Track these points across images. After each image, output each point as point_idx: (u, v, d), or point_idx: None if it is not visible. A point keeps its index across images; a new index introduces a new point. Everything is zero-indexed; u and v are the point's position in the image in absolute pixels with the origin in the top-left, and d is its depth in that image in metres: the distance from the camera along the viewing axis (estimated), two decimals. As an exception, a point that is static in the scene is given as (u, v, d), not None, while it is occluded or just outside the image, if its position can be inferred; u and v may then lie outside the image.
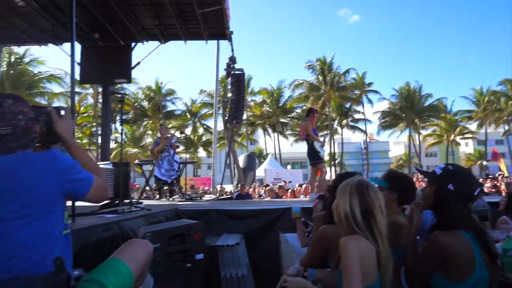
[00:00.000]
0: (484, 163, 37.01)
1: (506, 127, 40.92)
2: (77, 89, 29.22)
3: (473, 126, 42.95)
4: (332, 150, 39.93)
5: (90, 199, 1.49)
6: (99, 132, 21.25)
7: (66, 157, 1.44)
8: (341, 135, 41.59)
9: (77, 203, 3.08)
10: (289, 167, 40.46)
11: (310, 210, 4.20)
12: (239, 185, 10.83)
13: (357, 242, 1.50)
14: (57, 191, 1.36)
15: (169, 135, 7.92)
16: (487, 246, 1.67)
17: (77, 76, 9.79)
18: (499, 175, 14.51)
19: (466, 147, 52.69)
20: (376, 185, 1.84)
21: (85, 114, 33.12)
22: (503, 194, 7.78)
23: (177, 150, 7.81)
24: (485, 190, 9.37)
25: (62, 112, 1.60)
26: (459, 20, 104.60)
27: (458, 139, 44.27)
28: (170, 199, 7.39)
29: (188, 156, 8.97)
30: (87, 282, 1.39)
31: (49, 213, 1.33)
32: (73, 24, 3.51)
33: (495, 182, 10.09)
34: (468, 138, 45.46)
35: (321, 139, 6.30)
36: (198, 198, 8.34)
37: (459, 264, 1.61)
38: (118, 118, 28.46)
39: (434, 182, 1.78)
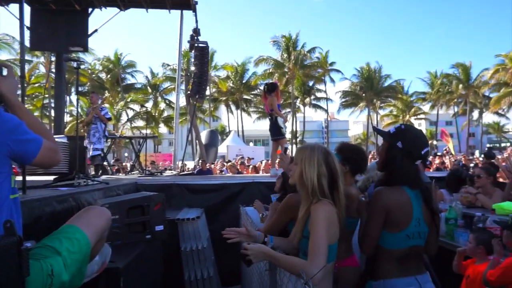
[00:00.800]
0: (435, 142, 39.39)
1: (456, 109, 43.54)
2: (27, 57, 27.24)
3: (426, 107, 45.26)
4: (294, 128, 40.58)
5: (39, 162, 1.41)
6: (52, 104, 20.04)
7: (12, 116, 1.36)
8: (303, 113, 42.23)
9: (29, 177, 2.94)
10: (251, 144, 40.70)
11: (272, 185, 4.32)
12: (200, 161, 10.79)
13: (327, 207, 1.63)
14: (1, 152, 1.29)
15: (97, 104, 7.25)
16: (429, 203, 1.78)
17: (26, 42, 9.08)
18: (446, 152, 15.58)
19: (419, 127, 55.43)
20: None
21: (37, 85, 31.10)
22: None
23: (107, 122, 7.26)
24: (434, 166, 10.13)
25: (5, 72, 1.50)
26: (422, 2, 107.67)
27: (412, 119, 46.53)
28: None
29: (148, 131, 8.72)
30: (40, 248, 1.35)
31: None
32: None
33: (443, 159, 10.83)
34: (421, 118, 47.89)
35: (284, 116, 6.37)
36: (159, 173, 8.22)
37: (395, 217, 1.73)
38: (73, 89, 26.94)
39: (386, 139, 1.87)
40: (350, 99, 43.00)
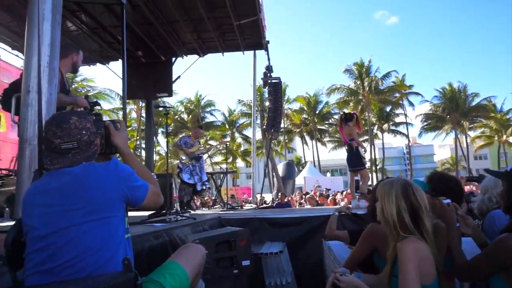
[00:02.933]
0: (542, 164, 34.34)
1: None
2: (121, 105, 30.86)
3: (527, 125, 40.08)
4: (373, 156, 38.87)
5: (146, 205, 1.60)
6: (142, 145, 22.08)
7: (126, 166, 1.58)
8: (382, 139, 40.40)
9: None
10: (328, 174, 39.82)
11: (353, 217, 4.17)
12: (279, 194, 10.85)
13: (414, 244, 1.54)
14: (118, 198, 1.48)
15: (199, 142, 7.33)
16: None
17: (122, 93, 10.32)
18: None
19: (520, 148, 49.22)
20: None
21: (129, 128, 34.79)
22: None
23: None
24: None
25: (118, 125, 1.75)
26: (500, 14, 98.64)
27: (511, 139, 41.46)
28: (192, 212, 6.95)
29: (227, 166, 9.10)
30: (148, 283, 1.50)
31: (111, 217, 1.45)
32: (124, 49, 3.74)
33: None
34: (522, 138, 42.48)
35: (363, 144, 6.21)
36: (239, 207, 8.45)
37: None
38: (159, 131, 29.48)
39: (504, 179, 1.69)
40: (433, 122, 40.09)
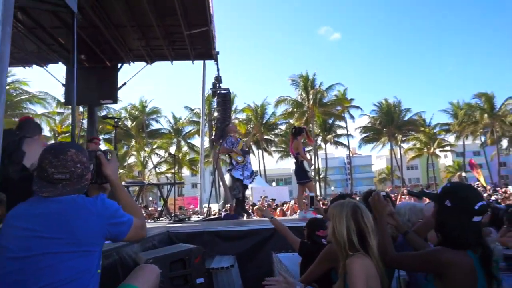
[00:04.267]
0: (464, 174, 38.10)
1: (483, 139, 42.39)
2: (59, 110, 28.87)
3: (451, 138, 44.36)
4: (316, 166, 40.31)
5: (128, 240, 1.65)
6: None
7: (112, 203, 1.59)
8: (325, 150, 42.13)
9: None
10: (274, 183, 40.48)
11: (301, 229, 4.30)
12: (227, 205, 10.82)
13: (361, 261, 1.66)
14: (100, 234, 1.49)
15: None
16: (488, 269, 1.65)
17: (61, 98, 9.71)
18: (477, 186, 15.00)
19: (446, 159, 54.15)
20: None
21: (67, 134, 32.61)
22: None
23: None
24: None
25: (109, 156, 1.79)
26: (434, 35, 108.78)
27: (437, 151, 45.50)
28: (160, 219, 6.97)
29: (170, 175, 8.92)
30: None
31: (90, 252, 1.46)
32: (75, 53, 3.55)
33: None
34: (447, 150, 46.83)
35: (308, 157, 6.43)
36: (187, 219, 8.31)
37: (459, 285, 1.61)
38: (101, 137, 28.05)
39: (435, 201, 1.81)
40: (371, 134, 42.76)
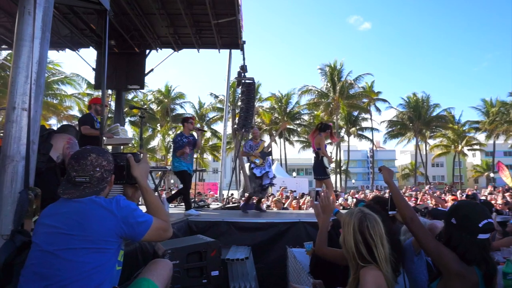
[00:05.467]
0: (492, 175, 36.79)
1: (515, 139, 40.64)
2: (89, 91, 29.71)
3: (481, 137, 42.74)
4: (338, 158, 39.91)
5: (148, 240, 1.74)
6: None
7: (128, 203, 1.67)
8: (348, 142, 41.56)
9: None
10: (294, 173, 40.46)
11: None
12: (245, 194, 10.95)
13: (373, 272, 1.71)
14: (114, 233, 1.59)
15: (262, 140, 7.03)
16: (491, 286, 1.73)
17: (91, 80, 9.97)
18: (507, 188, 14.30)
19: (474, 158, 52.37)
20: None
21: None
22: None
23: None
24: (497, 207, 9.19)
25: (141, 156, 1.92)
26: (470, 29, 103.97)
27: (465, 150, 44.01)
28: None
29: (197, 164, 9.10)
30: None
31: (105, 249, 1.56)
32: (106, 50, 3.67)
33: (507, 199, 9.77)
34: (476, 149, 45.19)
35: (329, 154, 6.42)
36: (206, 206, 8.49)
37: None
38: (127, 120, 28.73)
39: (444, 218, 1.91)
40: (397, 129, 41.74)
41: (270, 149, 6.82)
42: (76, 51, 10.49)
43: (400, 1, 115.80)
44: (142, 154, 1.95)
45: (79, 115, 32.05)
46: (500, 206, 8.02)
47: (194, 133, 6.45)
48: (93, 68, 10.46)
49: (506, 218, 5.35)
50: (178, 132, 6.21)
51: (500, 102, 39.44)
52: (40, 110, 1.99)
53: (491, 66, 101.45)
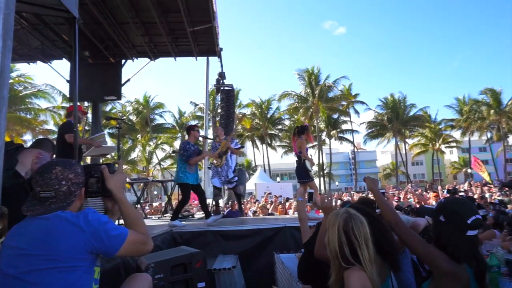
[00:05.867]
0: (469, 170, 37.87)
1: (489, 135, 42.01)
2: (65, 104, 28.98)
3: (457, 134, 43.99)
4: (321, 161, 40.22)
5: (123, 255, 1.59)
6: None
7: (99, 216, 1.53)
8: (329, 145, 41.99)
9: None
10: (278, 178, 40.49)
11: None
12: (230, 202, 10.83)
13: (358, 273, 1.66)
14: (83, 249, 1.45)
15: (226, 137, 6.73)
16: (482, 283, 1.70)
17: (66, 93, 9.70)
18: (482, 183, 14.75)
19: (451, 155, 53.78)
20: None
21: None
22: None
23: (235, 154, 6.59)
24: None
25: (116, 167, 1.79)
26: (441, 31, 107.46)
27: (443, 147, 45.19)
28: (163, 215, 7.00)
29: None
30: None
31: (74, 267, 1.43)
32: (77, 58, 3.53)
33: (483, 194, 10.17)
34: (452, 146, 46.45)
35: (310, 157, 6.39)
36: (190, 216, 8.32)
37: None
38: (105, 132, 28.12)
39: (432, 216, 1.88)
40: (376, 130, 42.54)
41: (227, 153, 6.57)
42: (48, 63, 10.18)
43: (373, 6, 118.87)
44: (117, 165, 1.83)
45: (55, 129, 31.16)
46: (477, 200, 8.27)
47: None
48: (67, 80, 10.16)
49: (486, 212, 5.50)
50: (185, 140, 5.94)
51: (473, 100, 40.79)
52: (4, 123, 1.85)
53: (462, 65, 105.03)
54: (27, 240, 1.43)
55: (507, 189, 7.69)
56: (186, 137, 5.99)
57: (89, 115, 11.50)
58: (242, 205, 7.94)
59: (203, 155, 5.81)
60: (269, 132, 40.40)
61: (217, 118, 15.94)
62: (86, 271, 1.48)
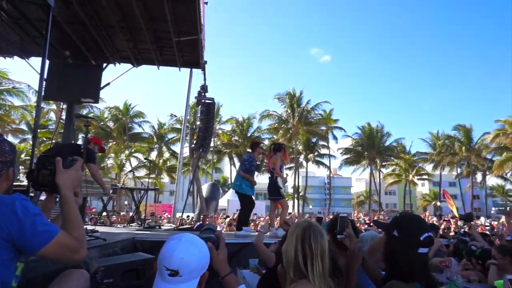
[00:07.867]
0: (438, 203, 38.84)
1: (459, 170, 43.45)
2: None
3: (429, 167, 45.28)
4: (296, 183, 40.37)
5: (46, 256, 1.37)
6: (58, 149, 20.25)
7: (30, 206, 1.34)
8: (306, 168, 42.29)
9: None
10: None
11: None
12: (201, 216, 10.66)
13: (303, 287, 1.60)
14: (3, 237, 1.27)
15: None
16: None
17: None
18: (450, 217, 15.19)
19: (423, 187, 55.16)
20: None
21: (44, 130, 31.70)
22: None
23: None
24: (440, 232, 9.80)
25: (74, 163, 1.60)
26: (422, 64, 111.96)
27: (415, 179, 46.32)
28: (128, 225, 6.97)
29: (150, 181, 8.72)
30: None
31: None
32: (47, 43, 3.44)
33: (449, 225, 10.52)
34: (424, 179, 47.70)
35: (285, 175, 6.40)
36: (157, 227, 8.10)
37: None
38: (80, 136, 27.38)
39: (384, 230, 1.83)
40: (352, 156, 43.28)
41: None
42: (26, 59, 9.89)
43: (358, 37, 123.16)
44: (75, 161, 1.62)
45: (25, 128, 30.11)
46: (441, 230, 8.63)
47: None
48: (44, 79, 9.88)
49: (448, 242, 5.71)
50: (249, 155, 6.25)
51: (445, 136, 42.31)
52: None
53: (439, 102, 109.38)
54: None
55: (463, 221, 7.97)
56: (249, 150, 6.46)
57: (63, 116, 11.21)
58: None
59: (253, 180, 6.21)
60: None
61: (196, 131, 15.83)
62: (5, 265, 1.28)
